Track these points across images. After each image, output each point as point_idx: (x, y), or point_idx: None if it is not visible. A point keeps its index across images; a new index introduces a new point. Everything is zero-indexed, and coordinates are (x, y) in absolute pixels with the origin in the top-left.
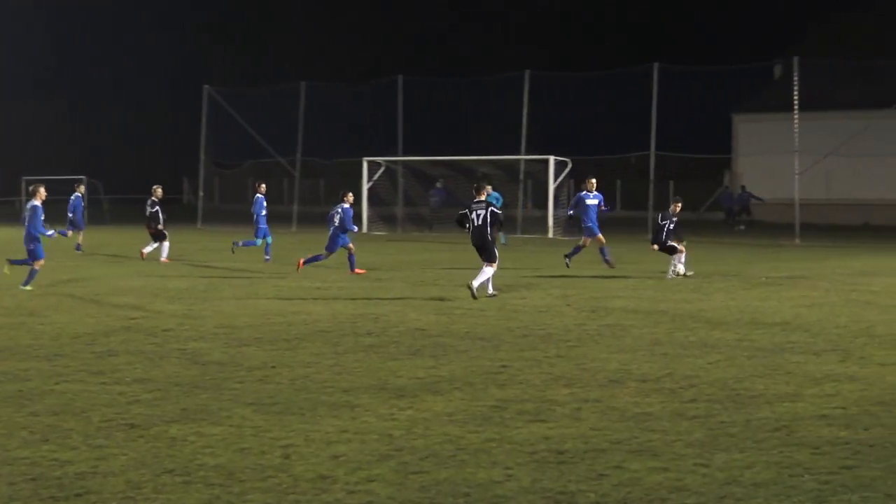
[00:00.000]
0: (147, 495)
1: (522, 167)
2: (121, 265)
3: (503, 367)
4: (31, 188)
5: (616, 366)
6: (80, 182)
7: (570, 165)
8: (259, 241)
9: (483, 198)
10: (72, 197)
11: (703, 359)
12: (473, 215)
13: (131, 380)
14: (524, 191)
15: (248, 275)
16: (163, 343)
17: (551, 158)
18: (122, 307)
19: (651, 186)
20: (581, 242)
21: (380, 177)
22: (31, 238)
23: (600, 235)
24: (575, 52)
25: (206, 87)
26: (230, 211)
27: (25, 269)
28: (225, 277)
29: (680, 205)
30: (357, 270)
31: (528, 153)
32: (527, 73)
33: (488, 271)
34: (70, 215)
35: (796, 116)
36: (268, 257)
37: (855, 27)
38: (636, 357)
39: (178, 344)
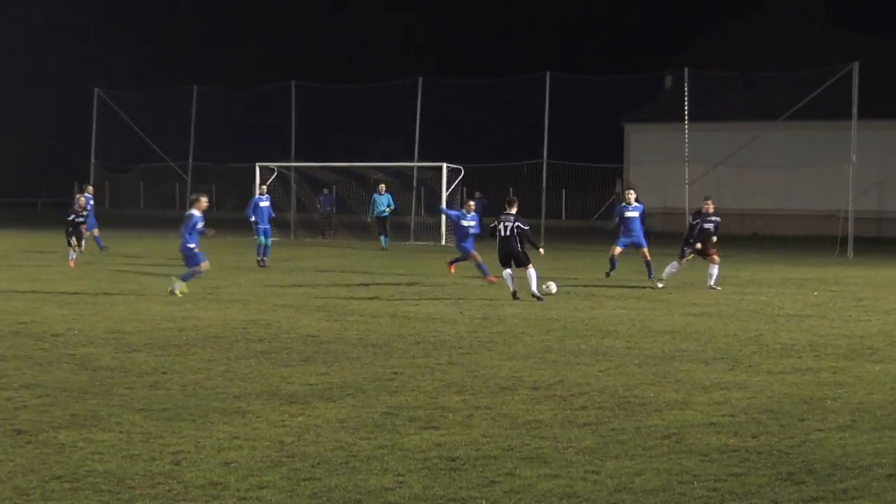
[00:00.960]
0: (35, 502)
1: (416, 174)
2: (8, 269)
3: (395, 373)
4: (192, 197)
5: (508, 373)
6: None
7: (462, 173)
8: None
9: (513, 211)
10: None
11: (593, 366)
12: (501, 226)
13: (19, 385)
14: (417, 197)
15: (139, 279)
16: (51, 348)
17: (444, 165)
18: (9, 311)
19: (543, 195)
20: (614, 253)
21: (272, 182)
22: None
23: (645, 249)
24: (467, 60)
25: (96, 89)
26: (120, 216)
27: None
28: (115, 282)
29: (713, 204)
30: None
31: (421, 160)
32: (420, 80)
33: (533, 272)
34: None
35: (686, 126)
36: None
37: (742, 40)
38: (528, 364)
39: (67, 349)
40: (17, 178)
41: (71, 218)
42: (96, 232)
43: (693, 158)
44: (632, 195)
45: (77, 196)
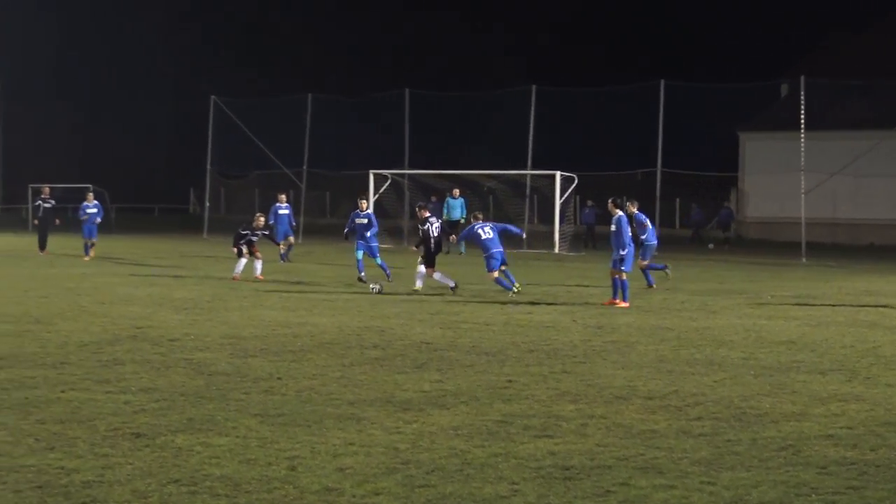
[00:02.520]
0: None
1: (529, 182)
2: (127, 274)
3: (509, 381)
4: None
5: (622, 382)
6: (88, 190)
7: (576, 181)
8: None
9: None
10: (91, 204)
11: (708, 377)
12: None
13: (137, 389)
14: (530, 206)
15: (254, 286)
16: (168, 353)
17: (558, 174)
18: (127, 316)
19: (657, 203)
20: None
21: (385, 190)
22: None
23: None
24: (582, 69)
25: (213, 97)
26: (236, 221)
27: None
28: (231, 288)
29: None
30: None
31: (534, 168)
32: (533, 88)
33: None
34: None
35: (803, 135)
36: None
37: (859, 47)
38: (642, 374)
39: (183, 354)
40: (135, 184)
41: (245, 233)
42: (291, 240)
43: (809, 168)
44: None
45: (257, 214)
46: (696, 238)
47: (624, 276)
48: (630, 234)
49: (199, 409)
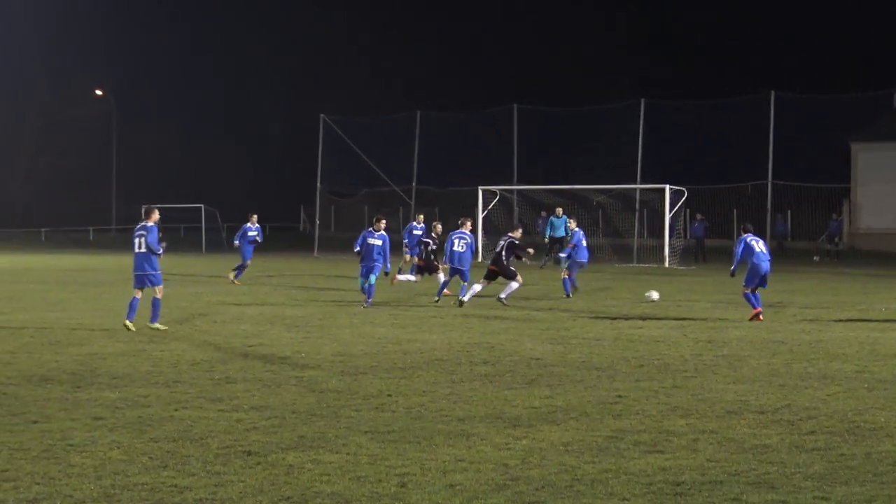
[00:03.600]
0: None
1: (638, 196)
2: (239, 293)
3: (619, 397)
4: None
5: (733, 397)
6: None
7: (685, 194)
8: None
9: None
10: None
11: (821, 390)
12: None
13: (249, 407)
14: (640, 220)
15: (364, 303)
16: (279, 370)
17: (667, 187)
18: (239, 335)
19: (768, 216)
20: None
21: (494, 205)
22: None
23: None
24: (690, 81)
25: (322, 115)
26: (346, 239)
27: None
28: (341, 306)
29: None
30: None
31: (643, 182)
32: (642, 102)
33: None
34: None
35: None
36: None
37: None
38: (753, 388)
39: (294, 371)
40: (245, 203)
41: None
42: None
43: None
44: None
45: (434, 223)
46: (780, 249)
47: (746, 291)
48: (740, 252)
49: (309, 427)
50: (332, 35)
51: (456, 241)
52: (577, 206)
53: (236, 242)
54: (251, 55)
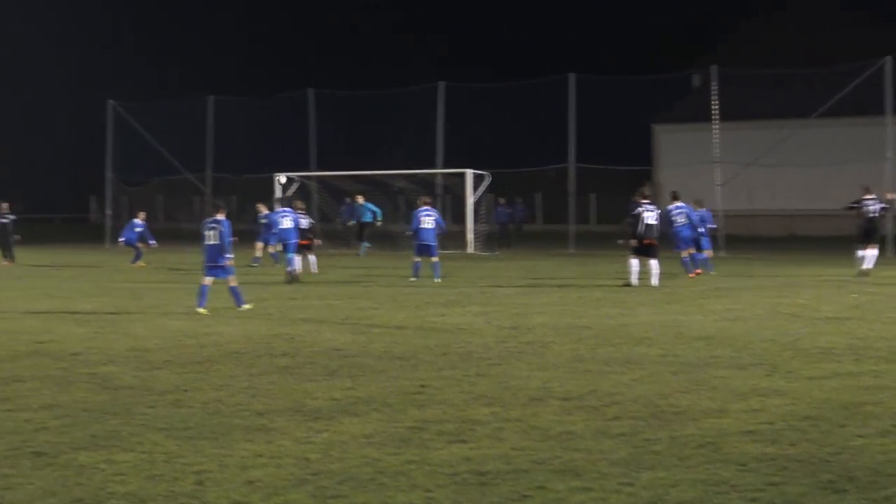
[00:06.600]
0: None
1: (440, 181)
2: (27, 287)
3: (422, 386)
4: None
5: (538, 384)
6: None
7: (488, 179)
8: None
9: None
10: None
11: (626, 375)
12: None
13: (38, 406)
14: (442, 205)
15: (159, 295)
16: (71, 367)
17: (468, 172)
18: (27, 331)
19: (571, 199)
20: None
21: (294, 193)
22: None
23: None
24: (489, 63)
25: (109, 101)
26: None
27: None
28: (134, 298)
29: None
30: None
31: (445, 167)
32: (441, 85)
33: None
34: None
35: (716, 126)
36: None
37: (771, 36)
38: (558, 374)
39: (86, 368)
40: (33, 193)
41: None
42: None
43: (724, 159)
44: None
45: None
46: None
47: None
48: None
49: (102, 425)
50: (116, 18)
51: (423, 219)
52: (378, 193)
53: (122, 240)
54: (32, 36)
